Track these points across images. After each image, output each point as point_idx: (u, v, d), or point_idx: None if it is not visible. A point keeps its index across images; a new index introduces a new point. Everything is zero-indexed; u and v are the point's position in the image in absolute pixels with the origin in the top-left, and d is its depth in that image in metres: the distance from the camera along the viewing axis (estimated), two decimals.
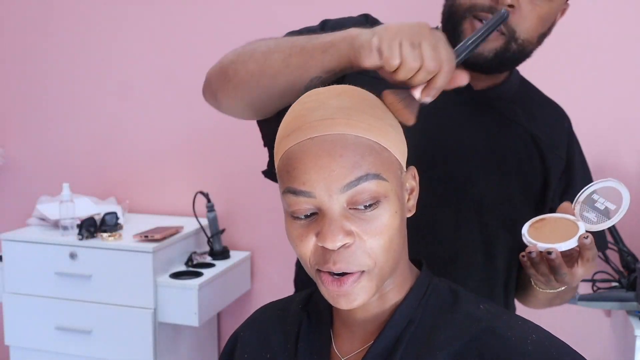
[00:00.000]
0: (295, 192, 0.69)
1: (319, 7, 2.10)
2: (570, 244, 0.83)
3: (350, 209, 0.69)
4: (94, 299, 2.00)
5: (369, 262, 0.70)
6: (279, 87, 0.89)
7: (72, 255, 2.01)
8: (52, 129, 2.54)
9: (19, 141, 2.60)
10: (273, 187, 2.51)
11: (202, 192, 2.21)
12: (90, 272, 2.00)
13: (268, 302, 0.94)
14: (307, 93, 0.77)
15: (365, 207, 0.69)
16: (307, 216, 0.71)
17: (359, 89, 0.76)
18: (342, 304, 0.71)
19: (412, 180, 0.78)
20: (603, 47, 1.91)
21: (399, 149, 0.74)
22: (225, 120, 2.45)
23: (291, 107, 0.76)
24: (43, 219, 2.18)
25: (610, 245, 1.78)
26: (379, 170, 0.69)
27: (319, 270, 0.72)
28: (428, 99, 0.77)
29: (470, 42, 0.82)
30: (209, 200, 2.20)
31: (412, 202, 0.78)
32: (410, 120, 0.77)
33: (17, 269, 2.09)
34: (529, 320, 0.77)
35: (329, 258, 0.69)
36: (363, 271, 0.70)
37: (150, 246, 1.94)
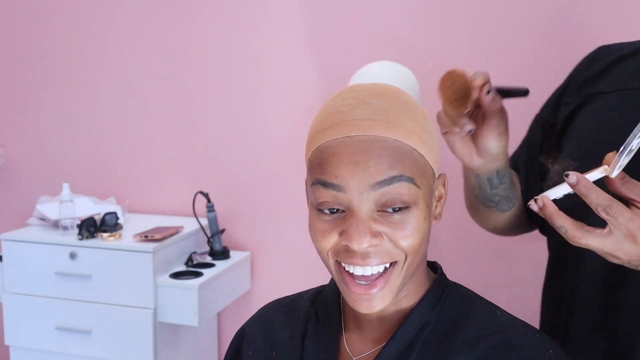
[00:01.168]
0: (325, 184, 0.68)
1: (319, 8, 2.10)
2: (560, 190, 0.70)
3: (378, 211, 0.68)
4: (94, 299, 2.00)
5: (400, 255, 0.69)
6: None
7: (72, 255, 2.01)
8: (52, 129, 2.54)
9: (19, 141, 2.60)
10: (273, 188, 2.52)
11: (202, 192, 2.21)
12: (90, 272, 2.00)
13: (268, 302, 0.94)
14: (347, 88, 0.75)
15: (394, 210, 0.68)
16: (333, 212, 0.69)
17: (400, 90, 0.75)
18: (363, 308, 0.70)
19: (441, 187, 0.77)
20: None
21: (434, 156, 0.74)
22: (225, 120, 2.46)
23: (330, 99, 0.75)
24: (43, 219, 2.18)
25: None
26: (414, 175, 0.68)
27: (338, 263, 0.71)
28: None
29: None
30: (209, 200, 2.20)
31: (439, 210, 0.77)
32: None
33: (17, 269, 2.09)
34: (546, 335, 0.76)
35: (356, 253, 0.68)
36: (395, 262, 0.69)
37: (150, 246, 1.95)
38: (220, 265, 2.13)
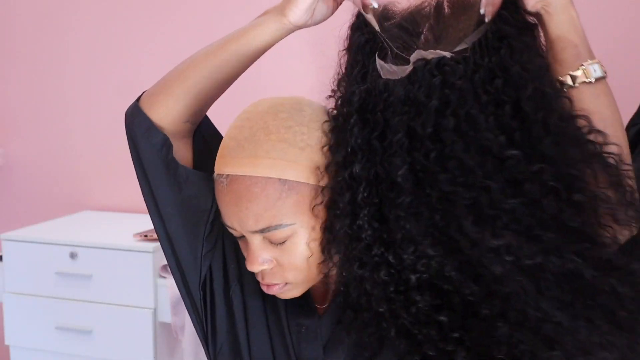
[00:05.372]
0: (223, 223, 0.80)
1: None
2: None
3: (267, 239, 0.78)
4: (94, 299, 2.00)
5: (290, 278, 0.79)
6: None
7: (72, 255, 2.01)
8: (52, 129, 2.54)
9: (19, 141, 2.60)
10: None
11: None
12: (91, 272, 2.00)
13: None
14: (247, 106, 0.83)
15: (280, 243, 0.77)
16: (242, 236, 0.80)
17: (285, 104, 0.79)
18: (281, 297, 0.83)
19: None
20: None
21: (313, 166, 0.76)
22: (225, 120, 2.45)
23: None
24: None
25: None
26: (283, 219, 0.75)
27: None
28: None
29: None
30: None
31: None
32: None
33: (17, 269, 2.09)
34: None
35: (257, 274, 0.81)
36: (287, 282, 0.80)
37: (151, 246, 1.94)
38: None
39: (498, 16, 0.69)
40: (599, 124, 0.67)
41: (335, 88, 0.82)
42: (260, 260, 0.78)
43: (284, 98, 0.82)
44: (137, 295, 1.96)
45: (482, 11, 0.69)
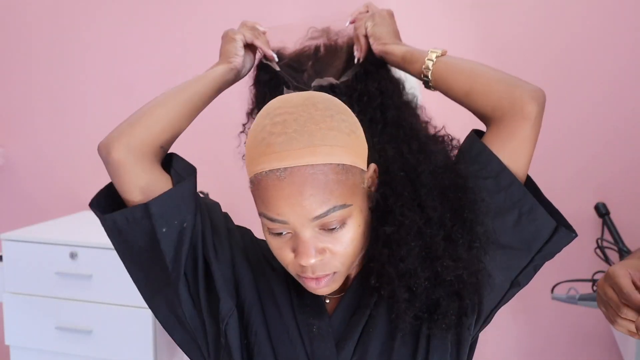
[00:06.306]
0: (270, 219, 0.79)
1: (318, 8, 2.10)
2: None
3: (320, 229, 0.79)
4: (94, 299, 2.00)
5: (339, 266, 0.82)
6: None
7: (72, 255, 2.01)
8: (53, 129, 2.54)
9: (19, 141, 2.60)
10: None
11: (201, 192, 2.20)
12: (91, 272, 2.00)
13: None
14: (274, 106, 0.82)
15: (333, 229, 0.79)
16: (283, 234, 0.81)
17: (316, 95, 0.83)
18: (319, 293, 0.86)
19: (372, 176, 0.86)
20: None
21: (360, 154, 0.82)
22: (225, 119, 2.45)
23: (261, 117, 0.82)
24: None
25: (610, 245, 1.78)
26: (345, 200, 0.78)
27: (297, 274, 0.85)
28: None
29: None
30: None
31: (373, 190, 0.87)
32: None
33: (17, 269, 2.09)
34: None
35: (307, 269, 0.81)
36: (335, 272, 0.83)
37: None
38: None
39: (365, 58, 1.02)
40: (471, 74, 0.94)
41: (246, 121, 1.11)
42: (314, 250, 0.79)
43: (308, 92, 0.86)
44: (137, 295, 1.93)
45: (355, 54, 1.02)
